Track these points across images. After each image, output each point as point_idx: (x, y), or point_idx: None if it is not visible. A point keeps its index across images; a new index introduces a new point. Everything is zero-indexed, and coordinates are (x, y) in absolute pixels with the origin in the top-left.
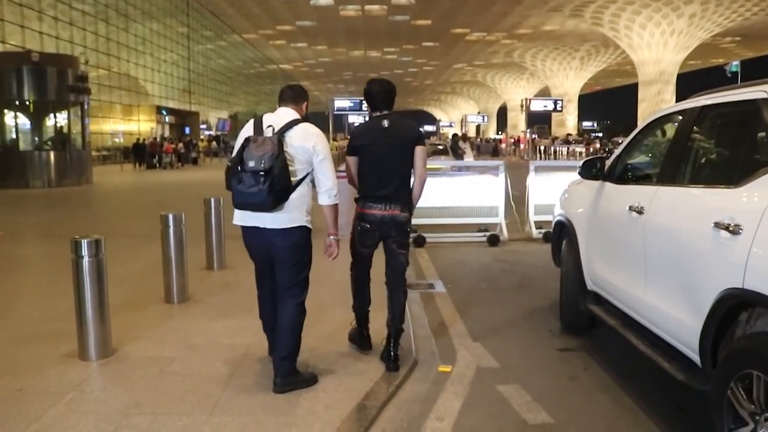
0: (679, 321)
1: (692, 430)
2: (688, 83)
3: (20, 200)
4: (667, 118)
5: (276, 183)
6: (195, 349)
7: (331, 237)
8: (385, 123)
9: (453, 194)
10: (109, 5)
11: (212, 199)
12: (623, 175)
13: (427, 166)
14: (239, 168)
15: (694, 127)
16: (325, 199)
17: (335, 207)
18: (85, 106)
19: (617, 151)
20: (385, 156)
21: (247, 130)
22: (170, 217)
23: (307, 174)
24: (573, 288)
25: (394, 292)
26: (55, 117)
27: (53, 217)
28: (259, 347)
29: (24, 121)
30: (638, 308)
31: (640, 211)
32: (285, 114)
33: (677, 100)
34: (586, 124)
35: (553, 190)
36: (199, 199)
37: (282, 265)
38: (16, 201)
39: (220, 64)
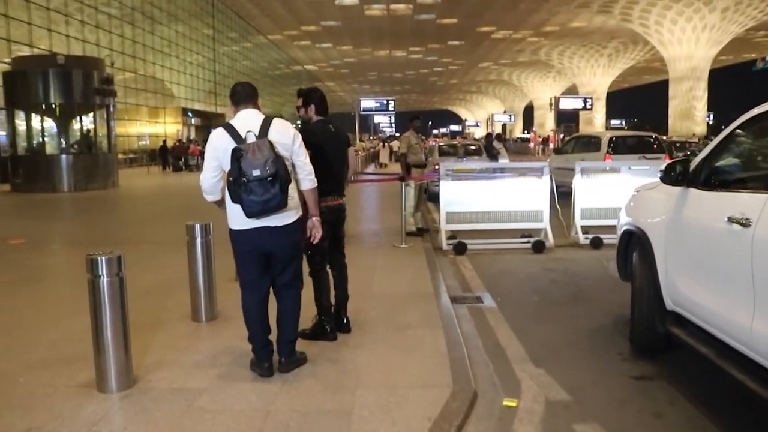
0: None
1: None
2: (720, 79)
3: (46, 204)
4: None
5: (284, 183)
6: (226, 379)
7: (314, 219)
8: (332, 128)
9: (493, 198)
10: (135, 8)
11: None
12: (714, 180)
13: (462, 167)
14: (243, 180)
15: None
16: (307, 184)
17: (315, 190)
18: (111, 109)
19: (704, 153)
20: (334, 155)
21: (224, 140)
22: (197, 227)
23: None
24: (648, 306)
25: (343, 269)
26: (80, 120)
27: (77, 223)
28: (297, 375)
29: (50, 125)
30: (742, 337)
31: (744, 224)
32: (253, 116)
33: (709, 97)
34: (614, 122)
35: (600, 192)
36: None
37: (286, 260)
38: (41, 205)
39: (245, 65)
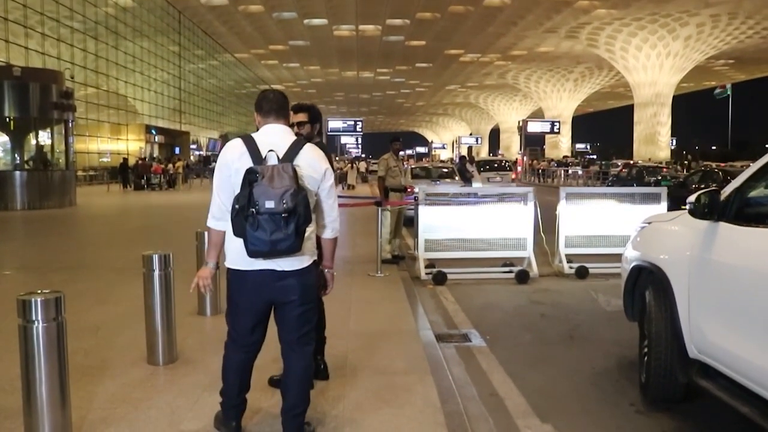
0: None
1: None
2: (682, 106)
3: None
4: None
5: (302, 224)
6: None
7: (329, 271)
8: None
9: (474, 224)
10: (99, 23)
11: (205, 232)
12: (749, 213)
13: (438, 191)
14: (252, 210)
15: None
16: (329, 233)
17: (336, 240)
18: (70, 124)
19: (736, 183)
20: None
21: (240, 156)
22: (155, 258)
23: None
24: (666, 354)
25: (321, 306)
26: (37, 135)
27: (29, 244)
28: None
29: (3, 139)
30: None
31: None
32: (281, 133)
33: (673, 123)
34: (579, 146)
35: (586, 220)
36: (188, 224)
37: (298, 309)
38: None
39: (211, 83)
